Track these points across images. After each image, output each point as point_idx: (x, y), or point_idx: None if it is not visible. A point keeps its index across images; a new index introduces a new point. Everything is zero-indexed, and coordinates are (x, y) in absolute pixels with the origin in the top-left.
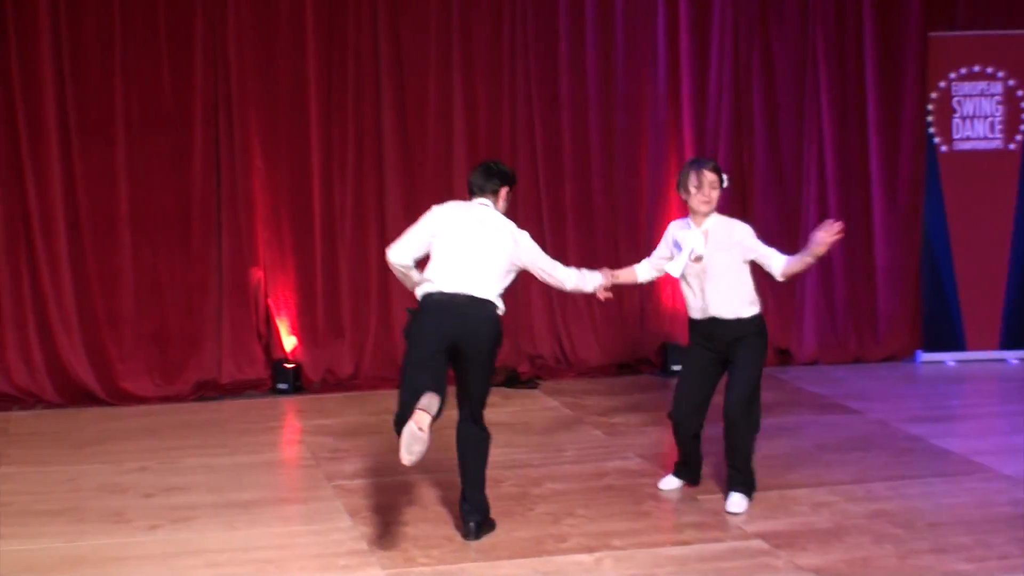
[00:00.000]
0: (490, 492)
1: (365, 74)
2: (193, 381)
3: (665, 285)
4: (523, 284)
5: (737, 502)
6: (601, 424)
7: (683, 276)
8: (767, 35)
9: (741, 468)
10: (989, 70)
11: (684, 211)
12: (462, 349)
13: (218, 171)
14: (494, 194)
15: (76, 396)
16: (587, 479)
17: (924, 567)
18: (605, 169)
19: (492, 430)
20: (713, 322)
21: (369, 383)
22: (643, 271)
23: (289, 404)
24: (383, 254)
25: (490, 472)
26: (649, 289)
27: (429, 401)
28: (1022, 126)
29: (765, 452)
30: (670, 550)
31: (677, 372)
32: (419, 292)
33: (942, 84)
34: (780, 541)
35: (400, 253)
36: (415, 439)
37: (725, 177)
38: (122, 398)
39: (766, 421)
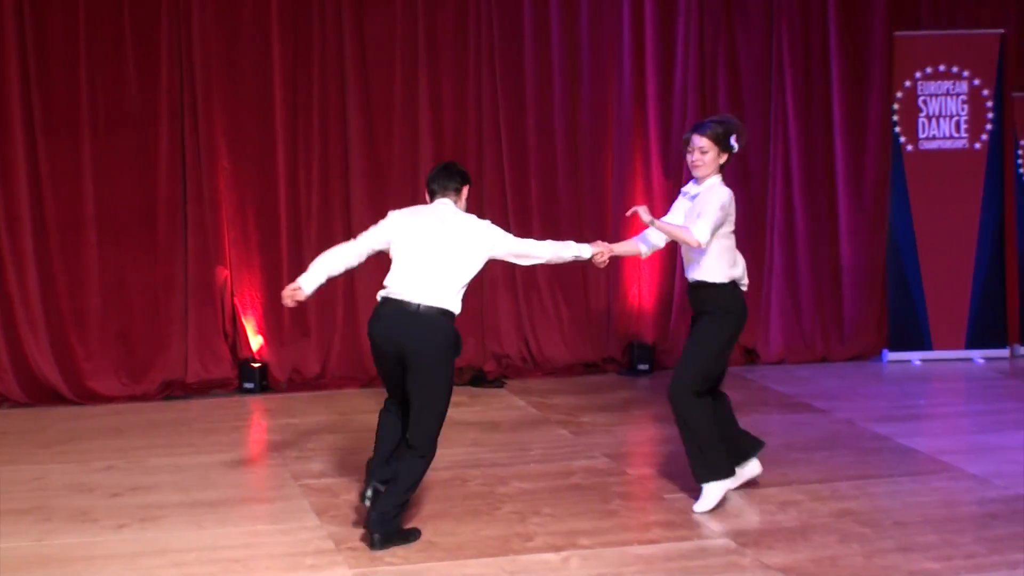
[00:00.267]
0: (457, 491)
1: (330, 74)
2: (159, 380)
3: (631, 284)
4: (490, 283)
5: (702, 499)
6: (568, 423)
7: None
8: (732, 35)
9: (695, 457)
10: (954, 69)
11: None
12: (407, 359)
13: (184, 170)
14: (456, 192)
15: (42, 395)
16: (554, 478)
17: (890, 566)
18: (570, 169)
19: (458, 430)
20: (690, 287)
21: (335, 382)
22: (647, 238)
23: (256, 403)
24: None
25: (458, 471)
26: (616, 289)
27: (377, 535)
28: (987, 125)
29: None
30: (637, 549)
31: (643, 371)
32: (379, 295)
33: (907, 84)
34: (747, 540)
35: (319, 266)
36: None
37: (733, 141)
38: (88, 397)
39: None
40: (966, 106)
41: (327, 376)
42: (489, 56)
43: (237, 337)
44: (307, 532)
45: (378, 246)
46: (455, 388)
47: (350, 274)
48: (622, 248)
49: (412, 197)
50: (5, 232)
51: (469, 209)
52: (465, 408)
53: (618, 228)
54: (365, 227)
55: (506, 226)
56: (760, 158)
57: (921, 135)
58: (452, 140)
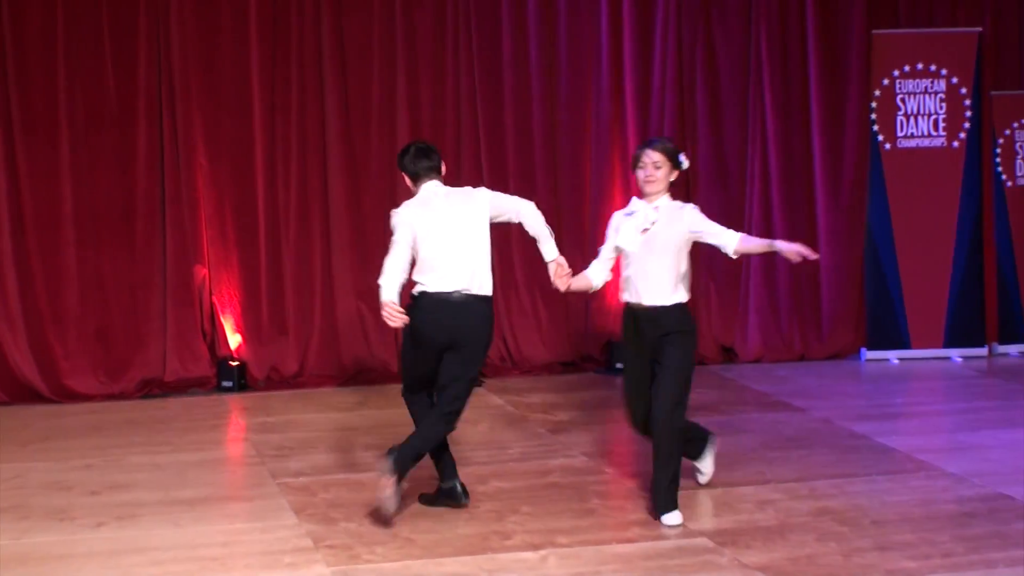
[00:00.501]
0: (433, 489)
1: (308, 72)
2: (138, 379)
3: (609, 283)
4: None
5: (674, 517)
6: (546, 422)
7: (626, 256)
8: (710, 32)
9: (669, 484)
10: (932, 68)
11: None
12: (455, 346)
13: (162, 169)
14: (439, 172)
15: (21, 393)
16: (532, 477)
17: (868, 565)
18: (549, 166)
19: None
20: (644, 310)
21: (314, 381)
22: (596, 274)
23: (234, 402)
24: (327, 252)
25: (435, 471)
26: None
27: (389, 465)
28: (965, 124)
29: None
30: (615, 547)
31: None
32: (415, 290)
33: (886, 82)
34: (725, 539)
35: (392, 285)
36: (385, 503)
37: (683, 158)
38: (67, 395)
39: (711, 419)
40: (944, 104)
41: (305, 374)
42: (467, 55)
43: (215, 335)
44: (285, 530)
45: (411, 250)
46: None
47: (327, 272)
48: (577, 283)
49: (390, 195)
50: None
51: None
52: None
53: (596, 225)
54: (343, 226)
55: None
56: (738, 156)
57: (899, 133)
58: (430, 138)
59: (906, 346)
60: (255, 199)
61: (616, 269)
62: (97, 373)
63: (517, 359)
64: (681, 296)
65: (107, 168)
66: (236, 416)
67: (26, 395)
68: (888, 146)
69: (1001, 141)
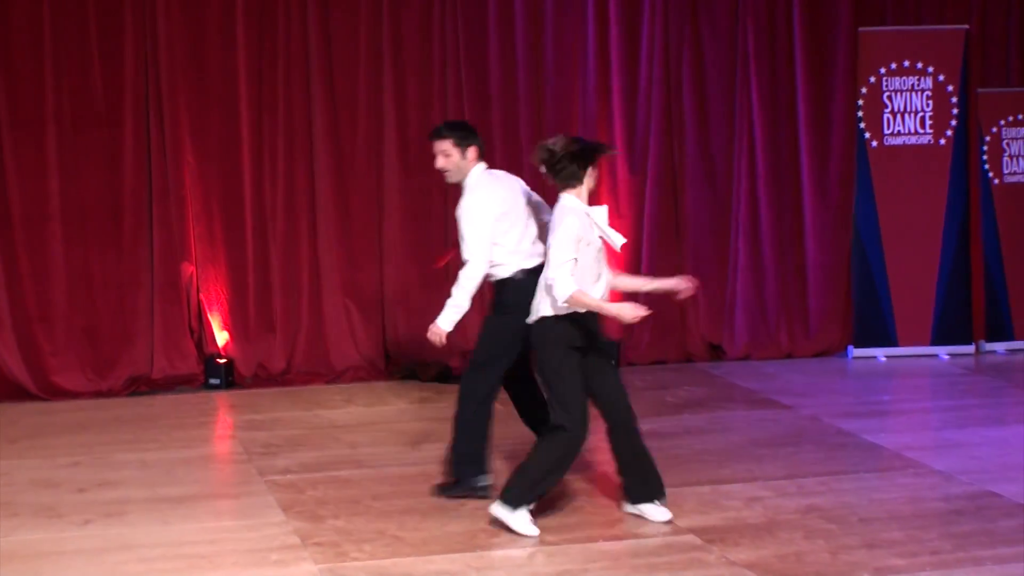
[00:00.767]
0: (423, 487)
1: (295, 70)
2: (125, 376)
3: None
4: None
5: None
6: None
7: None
8: (697, 30)
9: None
10: (919, 65)
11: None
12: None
13: (149, 166)
14: None
15: (8, 391)
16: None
17: (856, 562)
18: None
19: (423, 425)
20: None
21: (301, 378)
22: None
23: (221, 399)
24: (314, 249)
25: (424, 467)
26: None
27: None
28: (952, 121)
29: (698, 447)
30: (603, 545)
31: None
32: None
33: (872, 79)
34: (712, 536)
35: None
36: None
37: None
38: (54, 393)
39: (699, 417)
40: (931, 102)
41: (292, 372)
42: (454, 52)
43: (203, 333)
44: (273, 528)
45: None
46: (420, 384)
47: (315, 270)
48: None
49: (377, 192)
50: None
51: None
52: (432, 404)
53: None
54: (331, 223)
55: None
56: (725, 154)
57: (886, 131)
58: (417, 136)
59: (893, 344)
60: (242, 196)
61: None
62: (85, 370)
63: None
64: None
65: (94, 165)
66: (223, 413)
67: (13, 392)
68: (875, 143)
69: (988, 138)
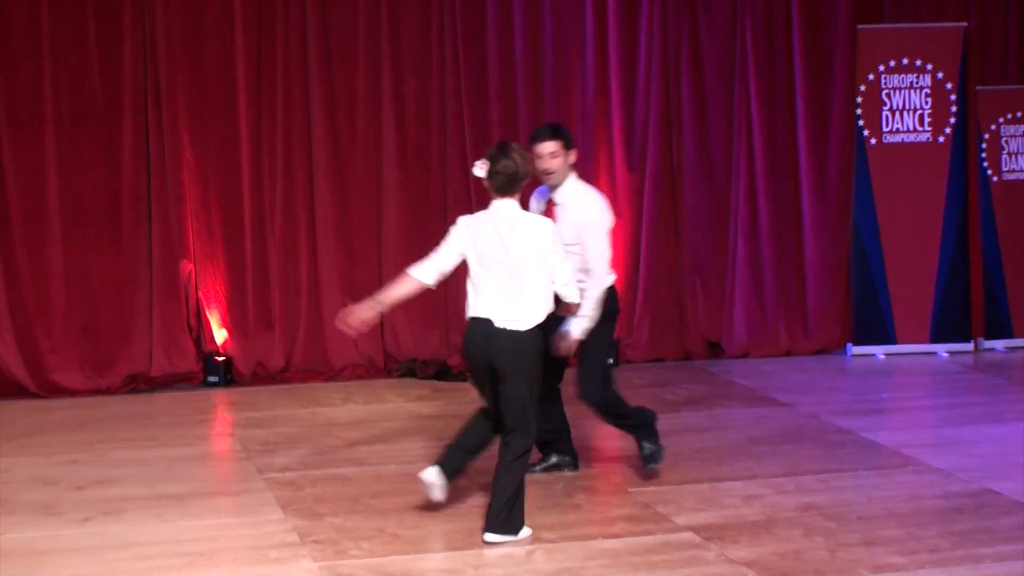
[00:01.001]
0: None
1: (294, 67)
2: (124, 374)
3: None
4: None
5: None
6: None
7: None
8: (696, 27)
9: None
10: (918, 63)
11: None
12: None
13: (148, 164)
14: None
15: (6, 388)
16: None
17: (854, 560)
18: (534, 162)
19: (422, 424)
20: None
21: (299, 376)
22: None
23: (220, 397)
24: (313, 246)
25: (421, 465)
26: None
27: None
28: (951, 119)
29: (697, 445)
30: (601, 543)
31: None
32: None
33: (871, 77)
34: (711, 534)
35: None
36: None
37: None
38: (53, 390)
39: (698, 414)
40: (929, 99)
41: (291, 370)
42: (452, 50)
43: (201, 331)
44: (271, 525)
45: None
46: (418, 382)
47: (313, 267)
48: None
49: (376, 190)
50: None
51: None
52: (429, 402)
53: None
54: (329, 220)
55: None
56: (723, 151)
57: (885, 128)
58: (416, 134)
59: (892, 341)
60: (241, 194)
61: None
62: (83, 368)
63: None
64: None
65: (93, 163)
66: (222, 411)
67: (12, 390)
68: (874, 141)
69: (987, 136)
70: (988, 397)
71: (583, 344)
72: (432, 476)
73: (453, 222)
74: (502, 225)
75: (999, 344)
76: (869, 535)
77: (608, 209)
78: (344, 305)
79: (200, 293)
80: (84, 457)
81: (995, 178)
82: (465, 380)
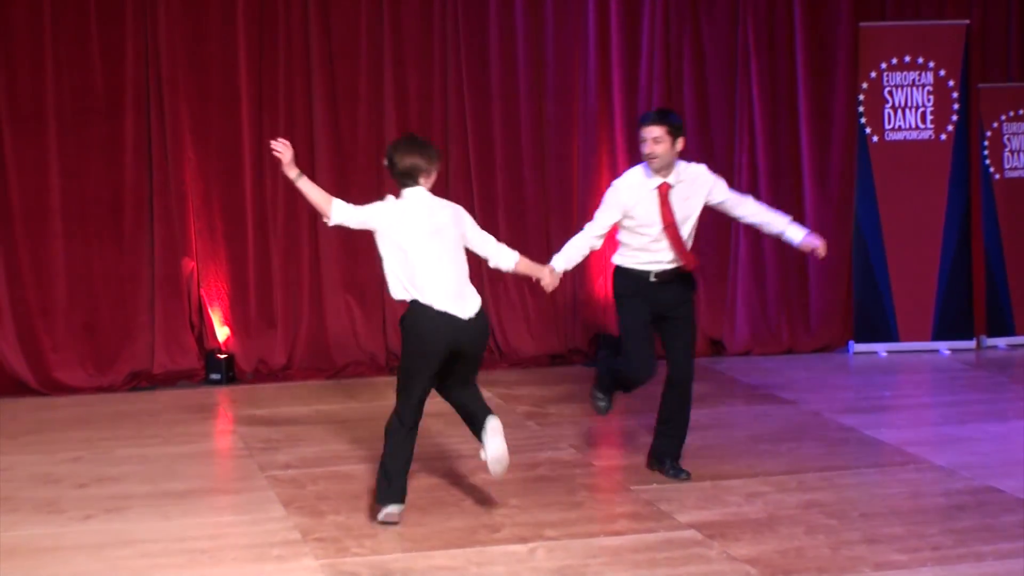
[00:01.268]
0: (423, 482)
1: (296, 64)
2: (126, 371)
3: (597, 275)
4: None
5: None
6: (534, 414)
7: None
8: (698, 25)
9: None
10: (920, 60)
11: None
12: None
13: (150, 161)
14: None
15: (8, 386)
16: (520, 469)
17: (857, 558)
18: (536, 160)
19: (424, 421)
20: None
21: (302, 373)
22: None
23: (222, 394)
24: (315, 244)
25: (424, 463)
26: (582, 280)
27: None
28: (953, 116)
29: (699, 443)
30: (603, 540)
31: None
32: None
33: (873, 74)
34: (713, 531)
35: None
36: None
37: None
38: (55, 388)
39: (700, 412)
40: (932, 97)
41: (293, 367)
42: (455, 48)
43: (203, 328)
44: (274, 523)
45: None
46: None
47: (315, 265)
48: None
49: (377, 188)
50: None
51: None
52: (432, 399)
53: (584, 218)
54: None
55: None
56: (725, 149)
57: (887, 126)
58: (417, 132)
59: (894, 339)
60: (243, 192)
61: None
62: (85, 366)
63: (505, 351)
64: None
65: (95, 161)
66: (224, 409)
67: (14, 388)
68: (876, 139)
69: (989, 134)
70: (990, 395)
71: (679, 321)
72: (395, 514)
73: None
74: (425, 212)
75: (1001, 341)
76: (871, 533)
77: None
78: (346, 303)
79: (202, 290)
80: (86, 455)
81: (997, 175)
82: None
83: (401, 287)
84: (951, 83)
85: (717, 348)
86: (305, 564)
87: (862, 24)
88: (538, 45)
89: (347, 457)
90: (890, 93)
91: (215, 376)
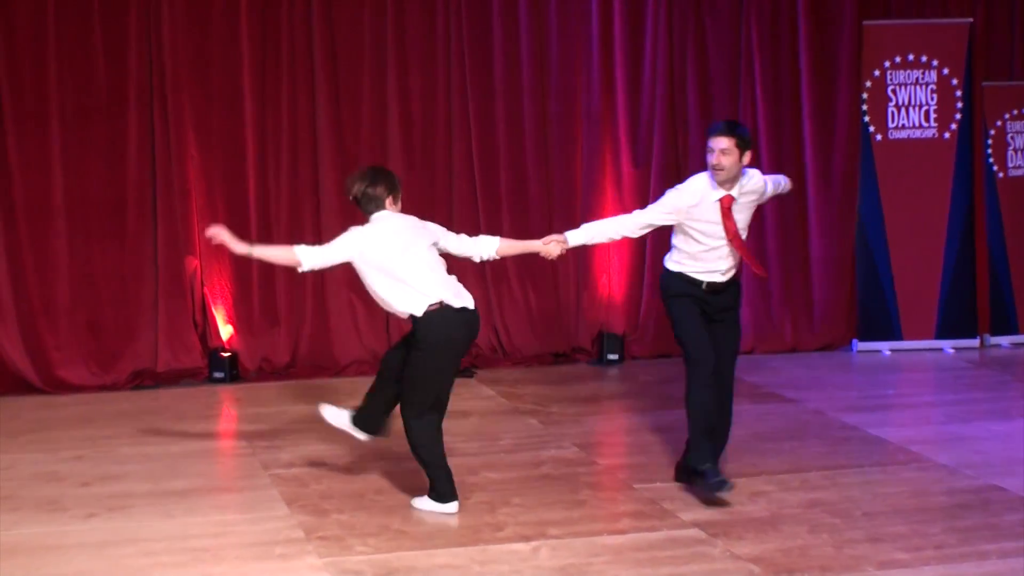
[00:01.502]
0: (426, 481)
1: (299, 63)
2: (129, 370)
3: (601, 274)
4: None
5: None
6: (537, 413)
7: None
8: (701, 23)
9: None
10: (923, 59)
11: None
12: None
13: (153, 160)
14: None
15: (12, 384)
16: (523, 468)
17: (860, 556)
18: (539, 159)
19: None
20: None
21: (305, 372)
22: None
23: (225, 393)
24: (318, 242)
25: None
26: (585, 279)
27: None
28: (956, 115)
29: None
30: (606, 539)
31: (613, 361)
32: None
33: (876, 73)
34: (717, 530)
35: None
36: None
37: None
38: (58, 386)
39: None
40: (935, 95)
41: (297, 365)
42: (458, 46)
43: (207, 326)
44: (277, 521)
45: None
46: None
47: None
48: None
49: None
50: None
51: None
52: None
53: (587, 217)
54: (334, 217)
55: (475, 216)
56: None
57: (890, 124)
58: (421, 131)
59: (898, 337)
60: (246, 190)
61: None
62: (88, 364)
63: (509, 350)
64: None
65: (98, 159)
66: (227, 407)
67: (17, 386)
68: (879, 137)
69: (992, 132)
70: (993, 393)
71: (725, 327)
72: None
73: (458, 218)
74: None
75: (1004, 340)
76: (874, 531)
77: None
78: (349, 301)
79: (206, 289)
80: (89, 453)
81: (1001, 174)
82: (471, 375)
83: (403, 302)
84: (955, 81)
85: None
86: (308, 563)
87: (865, 22)
88: (542, 44)
89: (350, 456)
90: (893, 91)
91: (218, 374)
